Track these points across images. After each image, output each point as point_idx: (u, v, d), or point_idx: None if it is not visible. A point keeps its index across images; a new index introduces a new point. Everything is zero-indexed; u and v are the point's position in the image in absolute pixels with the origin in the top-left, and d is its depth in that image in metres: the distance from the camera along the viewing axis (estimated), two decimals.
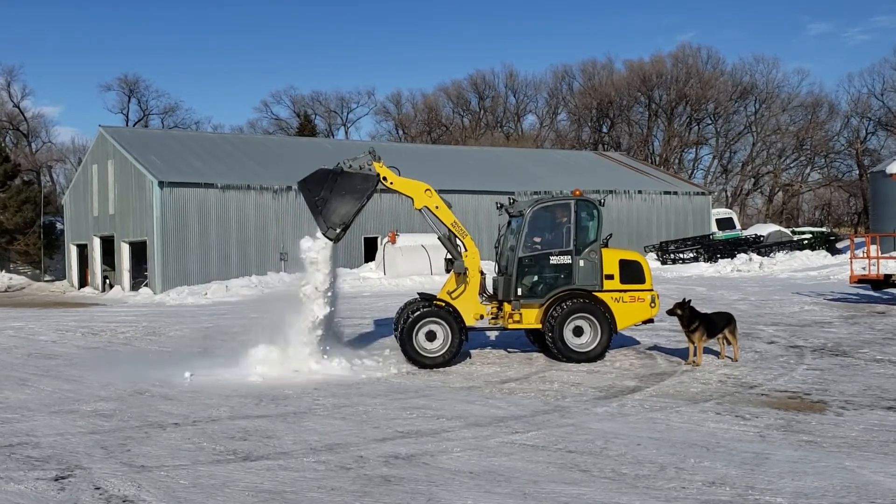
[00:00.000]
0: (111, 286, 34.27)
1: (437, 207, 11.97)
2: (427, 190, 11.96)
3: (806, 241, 37.40)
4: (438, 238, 12.15)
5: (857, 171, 62.40)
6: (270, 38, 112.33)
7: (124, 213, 33.43)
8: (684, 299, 11.44)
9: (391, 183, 11.86)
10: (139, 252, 32.71)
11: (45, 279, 40.58)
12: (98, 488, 6.14)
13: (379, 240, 33.33)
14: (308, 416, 8.56)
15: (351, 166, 11.67)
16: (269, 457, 6.97)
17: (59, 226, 42.35)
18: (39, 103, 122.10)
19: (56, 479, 6.38)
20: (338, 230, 11.23)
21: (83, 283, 37.52)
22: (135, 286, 32.45)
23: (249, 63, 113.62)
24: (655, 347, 12.84)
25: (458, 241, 12.00)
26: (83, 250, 37.78)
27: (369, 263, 33.00)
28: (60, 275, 40.55)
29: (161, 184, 30.56)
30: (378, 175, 11.69)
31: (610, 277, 11.84)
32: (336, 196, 11.32)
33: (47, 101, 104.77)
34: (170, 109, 70.98)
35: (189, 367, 11.28)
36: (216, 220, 31.59)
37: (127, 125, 63.73)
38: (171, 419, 8.53)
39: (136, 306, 26.38)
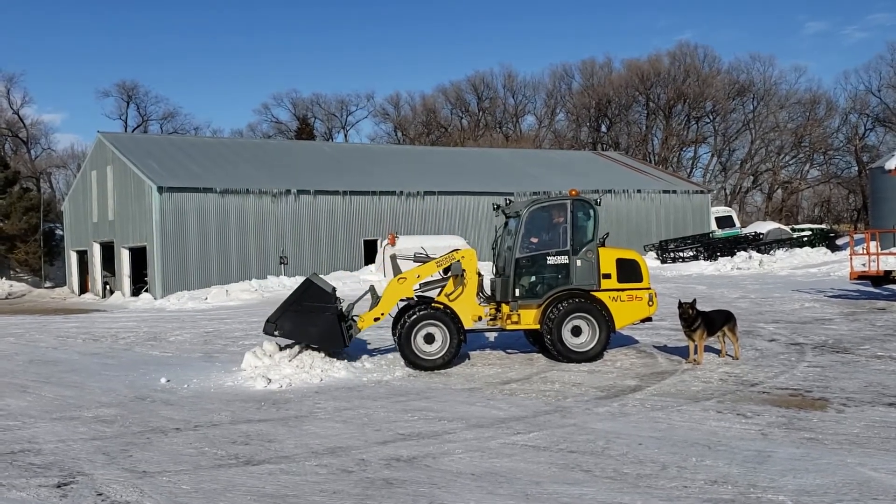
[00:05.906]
0: (111, 292, 34.26)
1: (419, 276, 11.98)
2: (400, 279, 11.90)
3: (805, 239, 37.34)
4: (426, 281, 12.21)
5: (856, 168, 62.45)
6: (268, 43, 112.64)
7: (124, 219, 33.44)
8: (681, 301, 11.43)
9: (381, 314, 11.84)
10: (139, 257, 32.71)
11: (46, 286, 40.55)
12: (100, 494, 6.15)
13: (378, 242, 33.33)
14: (309, 420, 8.57)
15: (342, 310, 11.70)
16: (270, 461, 6.98)
17: (58, 232, 42.33)
18: (41, 111, 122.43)
19: (58, 486, 6.39)
20: (275, 332, 11.43)
21: (83, 289, 37.50)
22: (135, 292, 32.46)
23: (247, 67, 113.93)
24: (656, 346, 12.84)
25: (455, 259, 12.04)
26: (83, 256, 37.77)
27: (369, 266, 32.99)
28: (61, 281, 40.54)
29: (160, 189, 30.57)
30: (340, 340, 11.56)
31: (607, 277, 11.84)
32: (304, 315, 11.41)
33: (49, 108, 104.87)
34: (168, 115, 71.10)
35: (191, 372, 11.27)
36: (216, 224, 31.58)
37: (126, 131, 63.79)
38: (172, 424, 8.53)
39: (136, 312, 26.35)
